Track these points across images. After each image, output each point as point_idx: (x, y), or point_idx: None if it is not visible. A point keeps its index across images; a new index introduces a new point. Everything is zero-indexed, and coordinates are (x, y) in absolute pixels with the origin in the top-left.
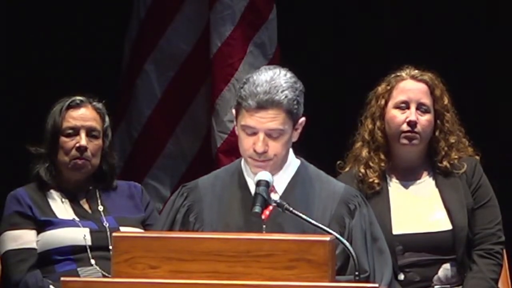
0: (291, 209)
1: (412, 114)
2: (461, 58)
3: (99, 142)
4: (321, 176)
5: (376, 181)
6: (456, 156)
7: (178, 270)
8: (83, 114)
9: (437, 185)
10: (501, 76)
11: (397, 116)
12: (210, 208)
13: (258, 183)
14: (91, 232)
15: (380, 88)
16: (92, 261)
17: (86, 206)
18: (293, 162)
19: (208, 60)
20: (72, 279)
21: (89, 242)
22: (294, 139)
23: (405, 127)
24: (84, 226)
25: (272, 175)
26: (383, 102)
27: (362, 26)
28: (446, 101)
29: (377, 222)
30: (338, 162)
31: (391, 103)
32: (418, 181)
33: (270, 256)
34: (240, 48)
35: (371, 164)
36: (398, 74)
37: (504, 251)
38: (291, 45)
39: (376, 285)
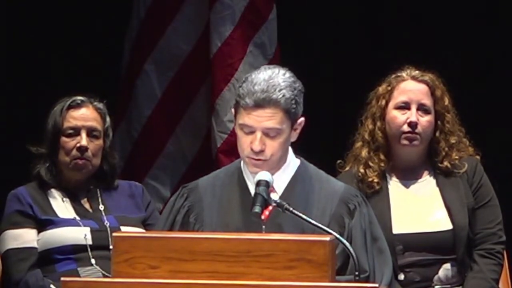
0: (291, 209)
1: (412, 115)
2: (461, 58)
3: (99, 142)
4: (321, 176)
5: (376, 180)
6: (456, 157)
7: (178, 270)
8: (84, 114)
9: (437, 185)
10: (501, 76)
11: (397, 117)
12: (210, 208)
13: (258, 183)
14: (92, 231)
15: (381, 89)
16: (93, 261)
17: (87, 205)
18: (293, 162)
19: (208, 60)
20: (72, 279)
21: (89, 242)
22: (293, 139)
23: (405, 128)
24: (84, 225)
25: (271, 175)
26: (383, 102)
27: (362, 26)
28: (446, 101)
29: (377, 222)
30: (338, 161)
31: (391, 104)
32: (419, 181)
33: (270, 256)
34: (240, 48)
35: (370, 164)
36: (399, 74)
37: (505, 251)
38: (291, 45)
39: (376, 285)
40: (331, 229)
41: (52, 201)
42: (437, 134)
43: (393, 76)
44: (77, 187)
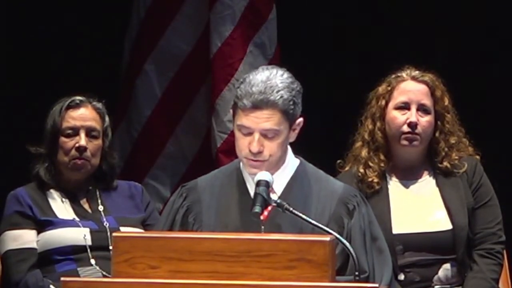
0: (291, 209)
1: (412, 115)
2: (461, 58)
3: (98, 142)
4: (320, 176)
5: (376, 180)
6: (456, 157)
7: (178, 270)
8: (83, 114)
9: (437, 185)
10: (501, 76)
11: (397, 117)
12: (208, 208)
13: (258, 183)
14: (91, 232)
15: (381, 89)
16: (92, 261)
17: (86, 206)
18: (292, 162)
19: (208, 60)
20: (72, 279)
21: (89, 242)
22: (292, 139)
23: (405, 128)
24: (84, 226)
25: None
26: (383, 102)
27: (362, 26)
28: (446, 101)
29: (376, 222)
30: (338, 161)
31: (391, 104)
32: (419, 181)
33: (270, 256)
34: (240, 48)
35: (370, 164)
36: (399, 74)
37: (505, 251)
38: (291, 45)
39: (376, 285)
40: (330, 229)
41: (51, 202)
42: (437, 134)
43: (393, 76)
44: (76, 187)
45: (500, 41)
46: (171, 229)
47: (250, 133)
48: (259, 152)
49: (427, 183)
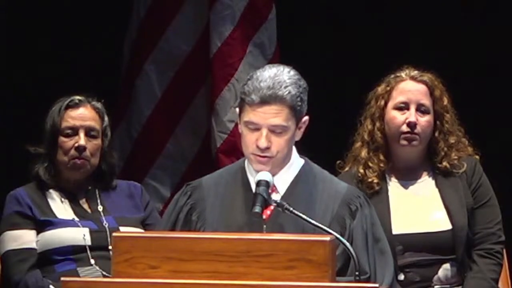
0: (291, 209)
1: (411, 115)
2: (461, 58)
3: (98, 141)
4: (324, 176)
5: (376, 181)
6: (455, 157)
7: (178, 270)
8: (82, 114)
9: (436, 185)
10: (501, 76)
11: (396, 117)
12: (212, 207)
13: (258, 183)
14: (91, 232)
15: (380, 89)
16: (92, 261)
17: (85, 206)
18: (297, 161)
19: (208, 60)
20: (72, 279)
21: (88, 242)
22: (298, 138)
23: (404, 128)
24: (83, 226)
25: (274, 173)
26: (382, 102)
27: (362, 26)
28: (445, 101)
29: (379, 223)
30: (338, 162)
31: (390, 104)
32: (418, 181)
33: (270, 256)
34: (239, 48)
35: (370, 164)
36: (398, 74)
37: (504, 250)
38: (290, 45)
39: (377, 285)
40: (332, 230)
41: (51, 202)
42: (436, 134)
43: (392, 76)
44: (76, 187)
45: (500, 41)
46: (174, 226)
47: (257, 129)
48: (267, 148)
49: (426, 184)
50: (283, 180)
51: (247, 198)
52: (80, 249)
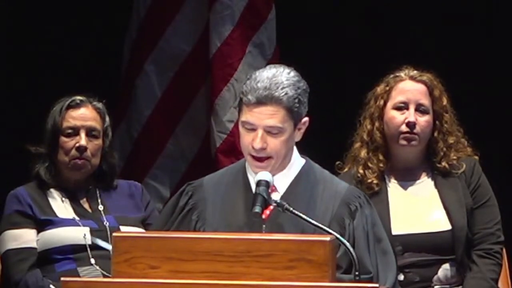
0: (291, 209)
1: (411, 115)
2: (461, 58)
3: (99, 142)
4: (325, 176)
5: (375, 181)
6: (455, 157)
7: (178, 270)
8: (83, 114)
9: (436, 185)
10: (501, 76)
11: (396, 117)
12: (213, 207)
13: (258, 183)
14: (91, 231)
15: (379, 89)
16: (92, 261)
17: (86, 206)
18: (297, 162)
19: (207, 60)
20: (72, 279)
21: (89, 242)
22: (297, 138)
23: (404, 128)
24: (84, 226)
25: (274, 174)
26: (382, 102)
27: (362, 26)
28: (445, 101)
29: (380, 223)
30: (337, 163)
31: (390, 104)
32: (417, 181)
33: (270, 256)
34: (239, 48)
35: (369, 164)
36: (397, 74)
37: (504, 250)
38: (290, 45)
39: (377, 285)
40: (332, 230)
41: (51, 201)
42: (436, 134)
43: (391, 76)
44: (76, 187)
45: (500, 40)
46: (173, 226)
47: (253, 129)
48: (262, 149)
49: (425, 184)
50: (283, 180)
51: (247, 199)
52: (81, 248)
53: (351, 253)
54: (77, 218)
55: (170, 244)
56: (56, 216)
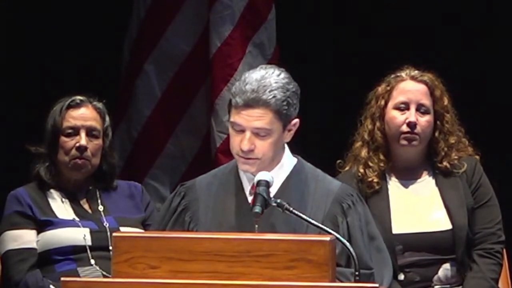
0: (291, 209)
1: (411, 115)
2: (461, 58)
3: (99, 141)
4: (317, 175)
5: (376, 180)
6: (456, 157)
7: (178, 270)
8: (83, 114)
9: (437, 185)
10: (501, 76)
11: (396, 117)
12: (205, 207)
13: (258, 183)
14: (91, 232)
15: (380, 89)
16: (92, 261)
17: (86, 206)
18: (288, 162)
19: (207, 60)
20: (72, 279)
21: (89, 242)
22: (287, 140)
23: (404, 128)
24: (84, 226)
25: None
26: (382, 102)
27: (362, 26)
28: (446, 101)
29: (373, 222)
30: (338, 161)
31: (390, 104)
32: (418, 181)
33: (270, 256)
34: (239, 48)
35: (370, 164)
36: (398, 74)
37: (504, 250)
38: (290, 45)
39: (377, 285)
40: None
41: (51, 202)
42: (436, 134)
43: (392, 76)
44: (77, 187)
45: (500, 40)
46: (166, 227)
47: (242, 131)
48: (250, 151)
49: (426, 183)
50: (274, 180)
51: (238, 198)
52: (81, 249)
53: (350, 252)
54: (77, 219)
55: (170, 244)
56: (56, 217)
